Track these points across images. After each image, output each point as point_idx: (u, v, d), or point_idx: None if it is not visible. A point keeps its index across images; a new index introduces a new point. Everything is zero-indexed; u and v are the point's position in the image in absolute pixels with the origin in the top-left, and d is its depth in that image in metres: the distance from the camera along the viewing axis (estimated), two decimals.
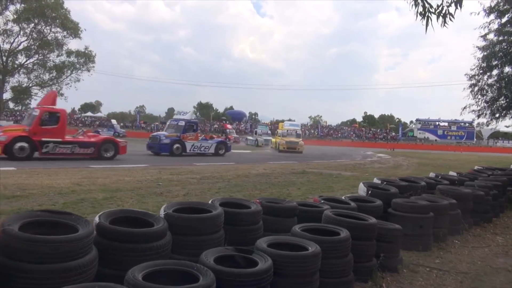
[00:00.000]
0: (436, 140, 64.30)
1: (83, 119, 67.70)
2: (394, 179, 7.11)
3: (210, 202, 3.96)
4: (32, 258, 2.35)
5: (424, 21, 3.71)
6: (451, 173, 9.07)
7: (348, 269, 3.63)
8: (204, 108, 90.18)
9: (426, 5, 3.66)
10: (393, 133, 69.15)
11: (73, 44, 31.04)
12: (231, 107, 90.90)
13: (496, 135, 65.86)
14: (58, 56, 29.74)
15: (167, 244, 3.03)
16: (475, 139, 65.75)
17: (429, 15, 3.72)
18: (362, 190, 5.95)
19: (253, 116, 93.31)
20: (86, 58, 30.00)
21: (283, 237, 3.58)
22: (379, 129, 74.88)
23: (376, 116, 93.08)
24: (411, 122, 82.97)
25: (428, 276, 4.32)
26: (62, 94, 29.49)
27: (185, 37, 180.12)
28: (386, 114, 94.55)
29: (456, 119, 67.83)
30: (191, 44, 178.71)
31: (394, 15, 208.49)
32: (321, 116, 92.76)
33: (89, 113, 78.27)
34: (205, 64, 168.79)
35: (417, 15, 3.72)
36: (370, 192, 5.77)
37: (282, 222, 4.22)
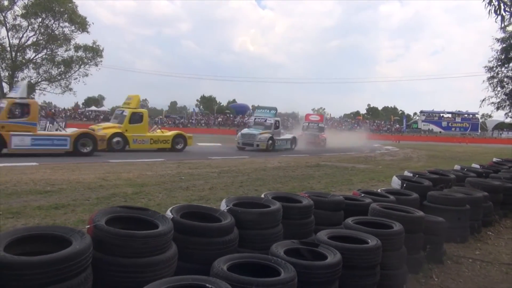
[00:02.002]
0: (440, 132, 64.14)
1: (87, 113, 67.75)
2: (424, 172, 7.17)
3: (262, 196, 4.03)
4: (124, 253, 2.43)
5: (499, 18, 3.77)
6: (474, 165, 9.13)
7: (402, 261, 3.71)
8: (207, 101, 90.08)
9: (501, 4, 3.71)
10: (397, 125, 69.04)
11: (79, 39, 30.95)
12: (234, 100, 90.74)
13: (501, 126, 65.71)
14: (66, 50, 29.92)
15: (236, 238, 3.11)
16: (479, 131, 65.62)
17: (503, 13, 3.78)
18: (396, 183, 6.02)
19: (256, 109, 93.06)
20: (94, 52, 30.10)
21: (340, 230, 3.66)
22: (383, 121, 74.75)
23: (380, 108, 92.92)
24: (415, 114, 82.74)
25: (473, 267, 4.41)
26: (70, 89, 29.77)
27: (186, 30, 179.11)
28: (390, 106, 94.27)
29: (460, 111, 67.69)
30: (192, 37, 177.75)
31: (396, 6, 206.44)
32: (324, 109, 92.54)
33: (93, 107, 78.28)
34: (206, 58, 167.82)
35: (490, 13, 3.78)
36: (404, 185, 5.83)
37: (330, 215, 4.29)
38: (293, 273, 2.52)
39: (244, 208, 3.52)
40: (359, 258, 3.11)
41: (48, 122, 28.11)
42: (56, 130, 16.42)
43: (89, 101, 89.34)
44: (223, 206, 3.49)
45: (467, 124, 65.84)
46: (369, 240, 3.32)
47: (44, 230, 2.39)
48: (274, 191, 4.54)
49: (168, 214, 3.01)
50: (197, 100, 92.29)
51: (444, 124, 66.75)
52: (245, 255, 2.73)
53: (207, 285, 2.22)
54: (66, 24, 29.02)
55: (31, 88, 31.12)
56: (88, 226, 2.47)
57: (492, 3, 3.67)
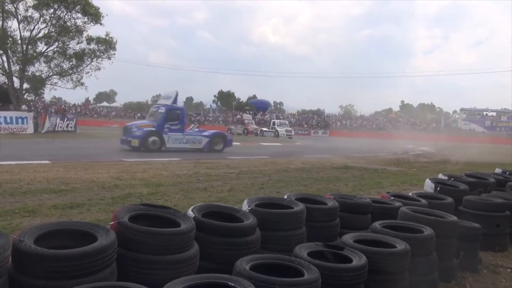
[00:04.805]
0: (483, 132, 62.73)
1: (98, 110, 69.28)
2: (460, 175, 7.20)
3: (285, 197, 4.21)
4: (147, 249, 2.65)
5: None
6: None
7: (433, 267, 3.81)
8: (225, 97, 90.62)
9: None
10: (434, 124, 67.85)
11: (92, 31, 31.79)
12: (254, 96, 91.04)
13: None
14: (78, 43, 30.83)
15: (258, 239, 3.29)
16: None
17: None
18: (429, 186, 6.09)
19: (278, 106, 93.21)
20: (107, 45, 30.91)
21: (367, 233, 3.80)
22: (418, 119, 73.57)
23: (415, 105, 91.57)
24: (454, 111, 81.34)
25: (511, 278, 4.45)
26: (82, 84, 30.67)
27: (202, 20, 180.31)
28: (426, 103, 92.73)
29: (506, 108, 66.08)
30: (209, 28, 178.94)
31: None
32: (353, 106, 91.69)
33: (104, 103, 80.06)
34: (224, 50, 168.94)
35: None
36: (438, 188, 5.90)
37: (356, 218, 4.43)
38: (317, 274, 2.69)
39: (266, 209, 3.71)
40: (386, 262, 3.25)
41: (58, 118, 29.12)
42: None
43: (101, 97, 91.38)
44: (245, 206, 3.68)
45: None
46: (397, 245, 3.45)
47: (71, 226, 2.64)
48: (298, 192, 4.70)
49: (190, 213, 3.22)
50: (215, 96, 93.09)
51: (487, 123, 65.33)
52: (267, 256, 2.91)
53: (230, 283, 2.41)
54: (79, 15, 29.95)
55: (41, 82, 32.22)
56: (112, 222, 2.71)
57: None
